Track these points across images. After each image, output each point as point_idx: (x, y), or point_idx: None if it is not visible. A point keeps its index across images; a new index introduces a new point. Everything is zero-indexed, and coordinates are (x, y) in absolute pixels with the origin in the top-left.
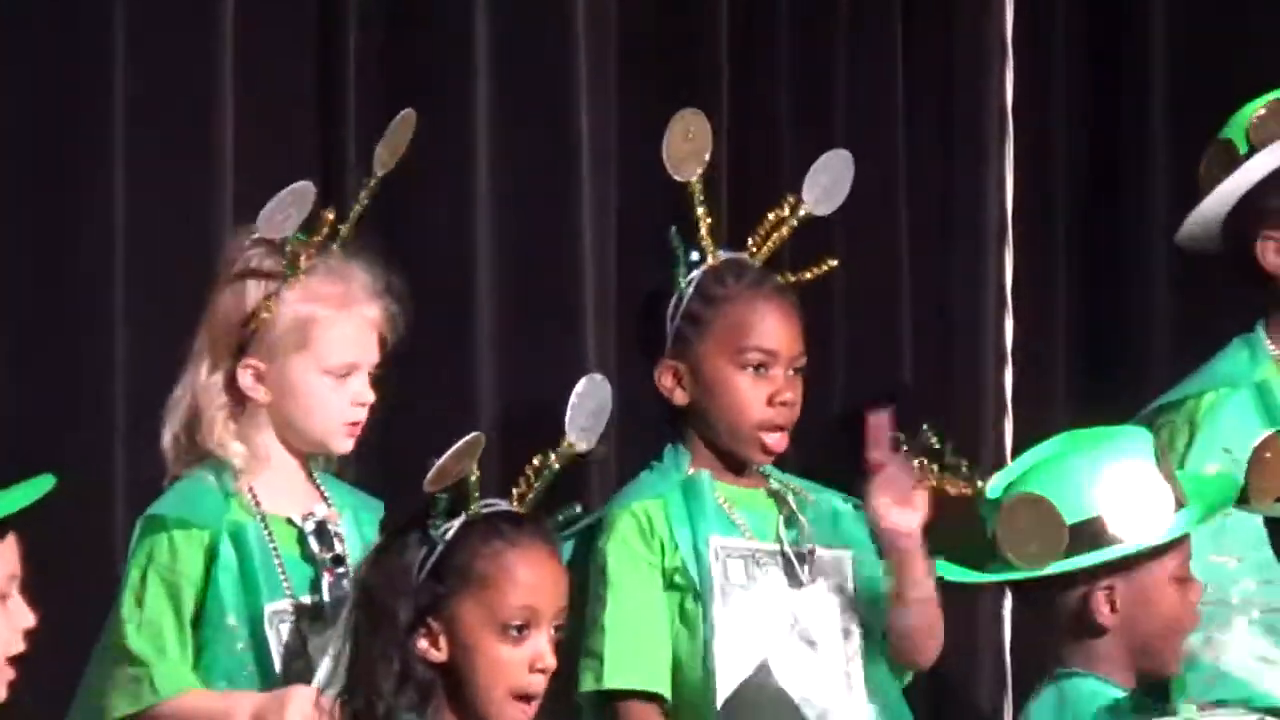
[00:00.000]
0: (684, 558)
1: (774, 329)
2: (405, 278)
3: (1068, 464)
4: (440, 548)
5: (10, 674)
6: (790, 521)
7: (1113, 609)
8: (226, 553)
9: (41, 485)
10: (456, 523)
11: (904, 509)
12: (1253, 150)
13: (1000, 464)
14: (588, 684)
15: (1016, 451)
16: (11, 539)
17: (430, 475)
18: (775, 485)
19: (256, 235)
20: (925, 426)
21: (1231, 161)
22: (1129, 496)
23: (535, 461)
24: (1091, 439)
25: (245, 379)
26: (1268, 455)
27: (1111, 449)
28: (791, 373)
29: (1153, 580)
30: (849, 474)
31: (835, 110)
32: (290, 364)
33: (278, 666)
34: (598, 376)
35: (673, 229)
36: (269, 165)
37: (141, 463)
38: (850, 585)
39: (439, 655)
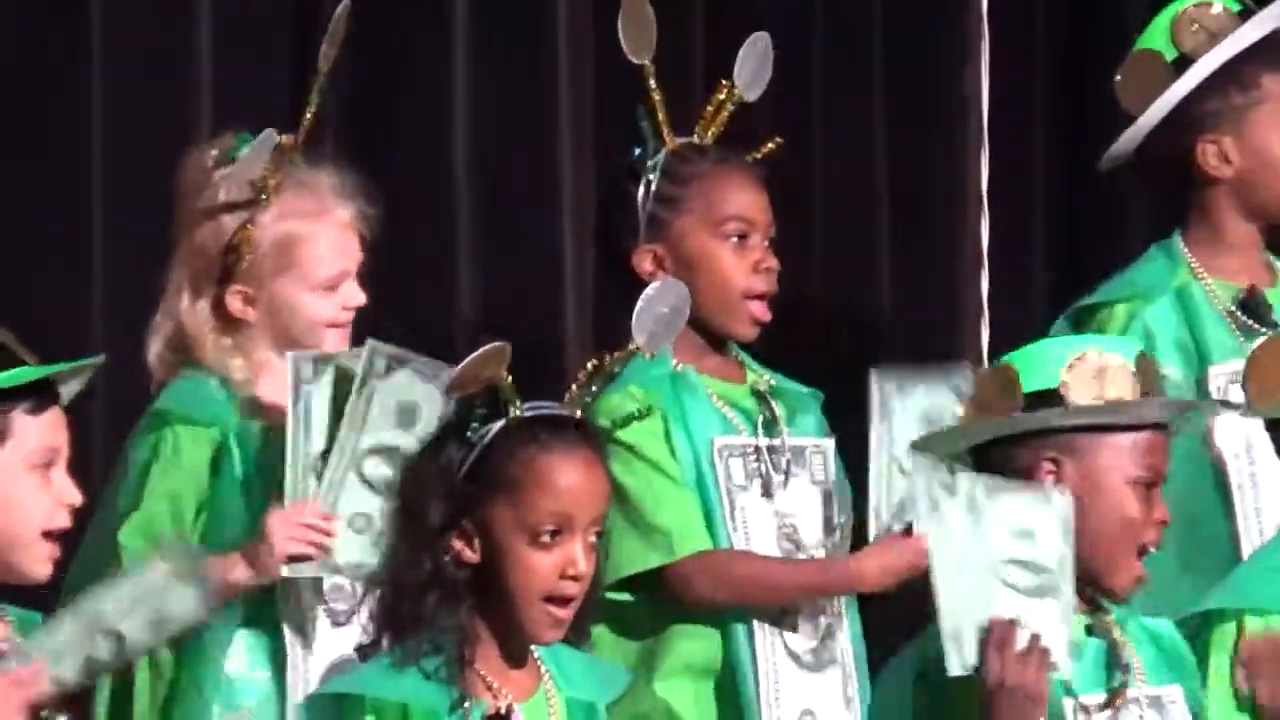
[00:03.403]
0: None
1: (750, 198)
2: (384, 187)
3: None
4: (478, 450)
5: (52, 550)
6: (769, 422)
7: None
8: (234, 452)
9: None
10: (496, 426)
11: None
12: (1182, 57)
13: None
14: (658, 559)
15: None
16: (57, 413)
17: (450, 380)
18: (755, 381)
19: (226, 174)
20: None
21: (1160, 71)
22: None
23: (589, 365)
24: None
25: (235, 304)
26: (1266, 359)
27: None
28: (767, 243)
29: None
30: (812, 364)
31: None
32: (279, 285)
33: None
34: (672, 279)
35: (639, 109)
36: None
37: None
38: (831, 476)
39: (473, 557)
